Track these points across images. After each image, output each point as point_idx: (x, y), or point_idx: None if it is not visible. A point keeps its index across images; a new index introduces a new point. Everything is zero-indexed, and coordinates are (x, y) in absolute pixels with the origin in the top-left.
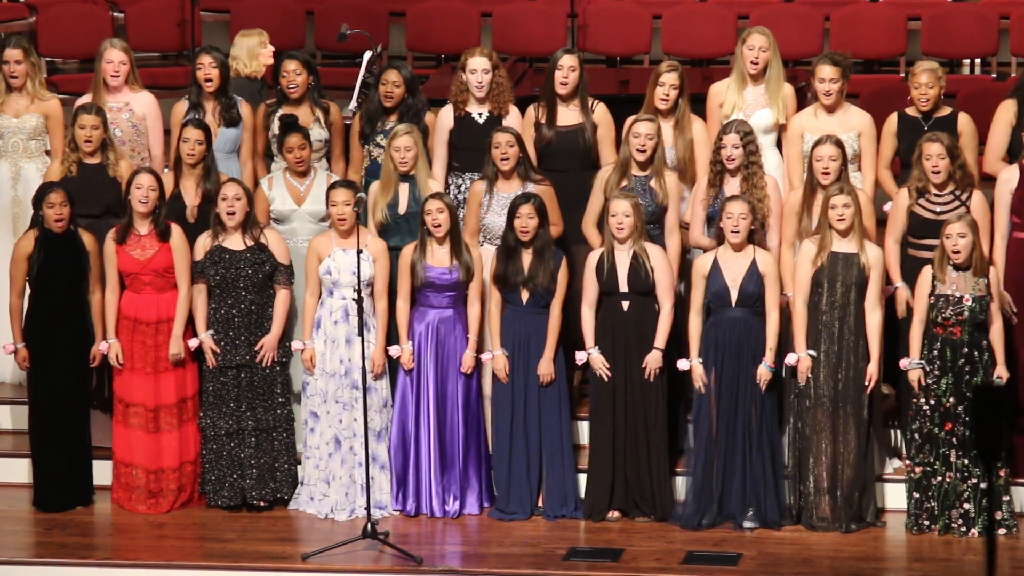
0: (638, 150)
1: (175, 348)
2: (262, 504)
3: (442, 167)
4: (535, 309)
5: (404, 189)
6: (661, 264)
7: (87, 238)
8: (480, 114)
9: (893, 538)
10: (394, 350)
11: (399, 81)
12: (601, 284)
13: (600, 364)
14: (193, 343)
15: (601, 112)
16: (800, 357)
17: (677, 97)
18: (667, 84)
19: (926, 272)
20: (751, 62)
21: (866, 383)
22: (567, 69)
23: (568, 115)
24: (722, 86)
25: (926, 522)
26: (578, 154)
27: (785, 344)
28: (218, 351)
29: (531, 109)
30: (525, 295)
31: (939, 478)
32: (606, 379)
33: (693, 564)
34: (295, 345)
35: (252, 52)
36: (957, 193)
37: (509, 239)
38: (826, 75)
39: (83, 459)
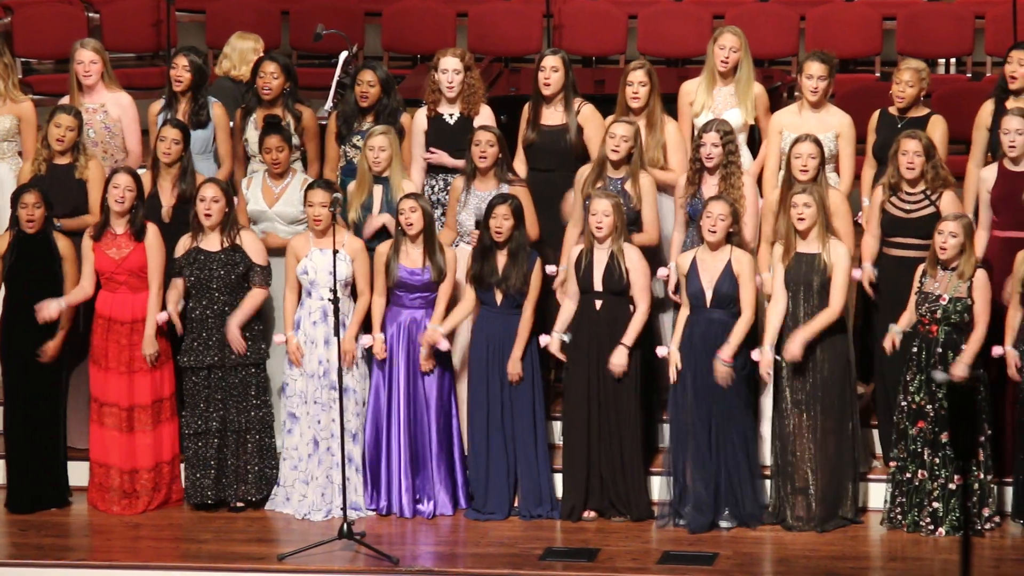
0: (612, 150)
1: (149, 348)
2: (239, 504)
3: (420, 170)
4: (509, 310)
5: (378, 191)
6: (637, 266)
7: (63, 243)
8: (451, 115)
9: (869, 537)
10: (365, 340)
11: (374, 81)
12: (578, 281)
13: (556, 348)
14: (162, 317)
15: (588, 113)
16: (763, 350)
17: (648, 94)
18: (635, 82)
19: (919, 268)
20: (721, 61)
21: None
22: (549, 70)
23: (553, 115)
24: (692, 85)
25: (899, 517)
26: (561, 154)
27: (755, 342)
28: (178, 323)
29: (527, 107)
30: (499, 296)
31: (909, 475)
32: (561, 360)
33: (669, 564)
34: (277, 338)
35: (244, 56)
36: (927, 192)
37: (485, 239)
38: (815, 72)
39: (58, 460)
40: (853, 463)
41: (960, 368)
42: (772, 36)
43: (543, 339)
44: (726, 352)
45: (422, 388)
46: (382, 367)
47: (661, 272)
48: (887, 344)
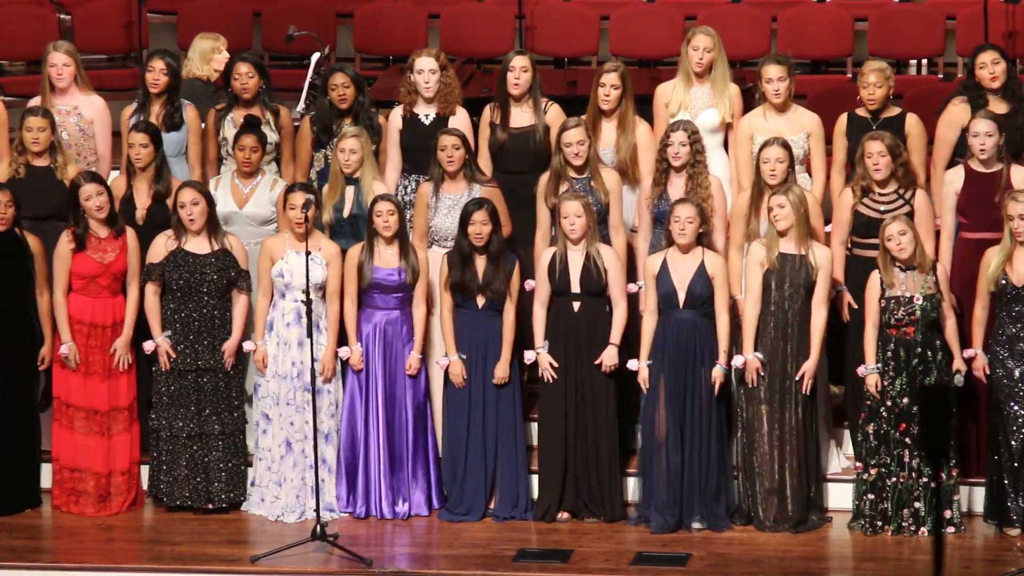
0: (574, 156)
1: (124, 350)
2: (223, 506)
3: (395, 169)
4: (490, 313)
5: (349, 192)
6: (614, 264)
7: (32, 240)
8: (427, 115)
9: (841, 538)
10: (343, 352)
11: (347, 82)
12: (553, 284)
13: (546, 364)
14: (148, 346)
15: (555, 113)
16: (747, 359)
17: (620, 97)
18: (607, 84)
19: (875, 276)
20: (696, 62)
21: (797, 378)
22: (519, 70)
23: (521, 116)
24: (668, 86)
25: (879, 523)
26: (530, 155)
27: (734, 345)
28: (175, 355)
29: (487, 110)
30: (481, 300)
31: (893, 479)
32: (548, 380)
33: (642, 565)
34: (247, 346)
35: (205, 56)
36: (900, 192)
37: (463, 246)
38: (773, 74)
39: (31, 462)
40: (826, 464)
41: (963, 364)
42: (744, 37)
43: (528, 355)
44: (724, 359)
45: (399, 389)
46: (357, 369)
47: (631, 288)
48: (872, 388)
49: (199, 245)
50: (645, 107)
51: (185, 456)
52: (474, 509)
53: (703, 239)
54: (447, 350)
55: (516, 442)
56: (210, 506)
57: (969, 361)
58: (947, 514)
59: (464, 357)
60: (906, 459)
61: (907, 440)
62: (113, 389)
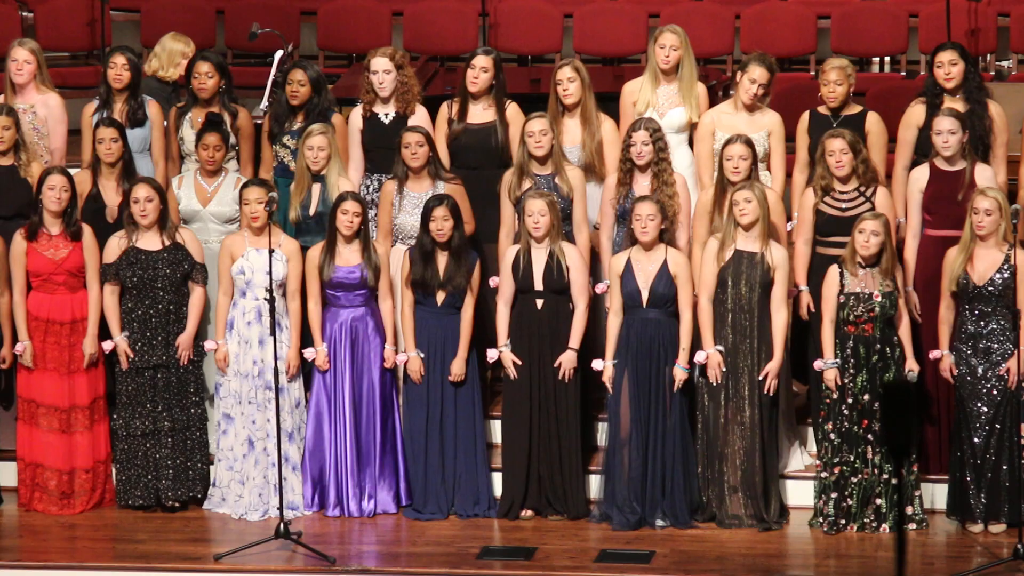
0: (536, 146)
1: (91, 348)
2: (176, 504)
3: (357, 169)
4: (449, 310)
5: (316, 189)
6: (577, 264)
7: None
8: (386, 114)
9: (804, 535)
10: (308, 352)
11: (304, 80)
12: (517, 282)
13: (509, 362)
14: (107, 346)
15: (513, 112)
16: (709, 354)
17: (579, 89)
18: (564, 79)
19: (833, 271)
20: (663, 59)
21: (760, 378)
22: (478, 69)
23: (481, 113)
24: (635, 84)
25: (843, 522)
26: (490, 152)
27: (696, 344)
28: (132, 355)
29: (445, 106)
30: (441, 296)
31: (858, 476)
32: (512, 377)
33: (606, 562)
34: (208, 345)
35: (172, 58)
36: (862, 189)
37: (425, 242)
38: (757, 77)
39: None
40: (788, 461)
41: (913, 362)
42: (708, 35)
43: (491, 354)
44: (684, 358)
45: (366, 387)
46: (323, 369)
47: (600, 287)
48: (831, 382)
49: (150, 242)
50: (611, 105)
51: (139, 454)
52: (438, 507)
53: (664, 235)
54: (406, 346)
55: (475, 439)
56: (160, 504)
57: (936, 361)
58: (908, 510)
59: (423, 355)
60: (869, 455)
61: (869, 436)
62: (72, 386)
